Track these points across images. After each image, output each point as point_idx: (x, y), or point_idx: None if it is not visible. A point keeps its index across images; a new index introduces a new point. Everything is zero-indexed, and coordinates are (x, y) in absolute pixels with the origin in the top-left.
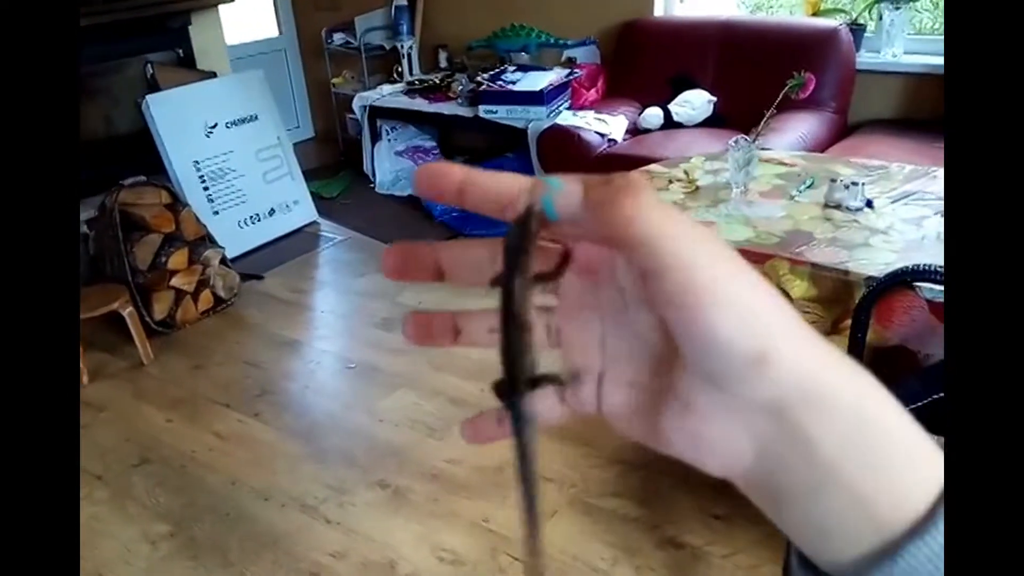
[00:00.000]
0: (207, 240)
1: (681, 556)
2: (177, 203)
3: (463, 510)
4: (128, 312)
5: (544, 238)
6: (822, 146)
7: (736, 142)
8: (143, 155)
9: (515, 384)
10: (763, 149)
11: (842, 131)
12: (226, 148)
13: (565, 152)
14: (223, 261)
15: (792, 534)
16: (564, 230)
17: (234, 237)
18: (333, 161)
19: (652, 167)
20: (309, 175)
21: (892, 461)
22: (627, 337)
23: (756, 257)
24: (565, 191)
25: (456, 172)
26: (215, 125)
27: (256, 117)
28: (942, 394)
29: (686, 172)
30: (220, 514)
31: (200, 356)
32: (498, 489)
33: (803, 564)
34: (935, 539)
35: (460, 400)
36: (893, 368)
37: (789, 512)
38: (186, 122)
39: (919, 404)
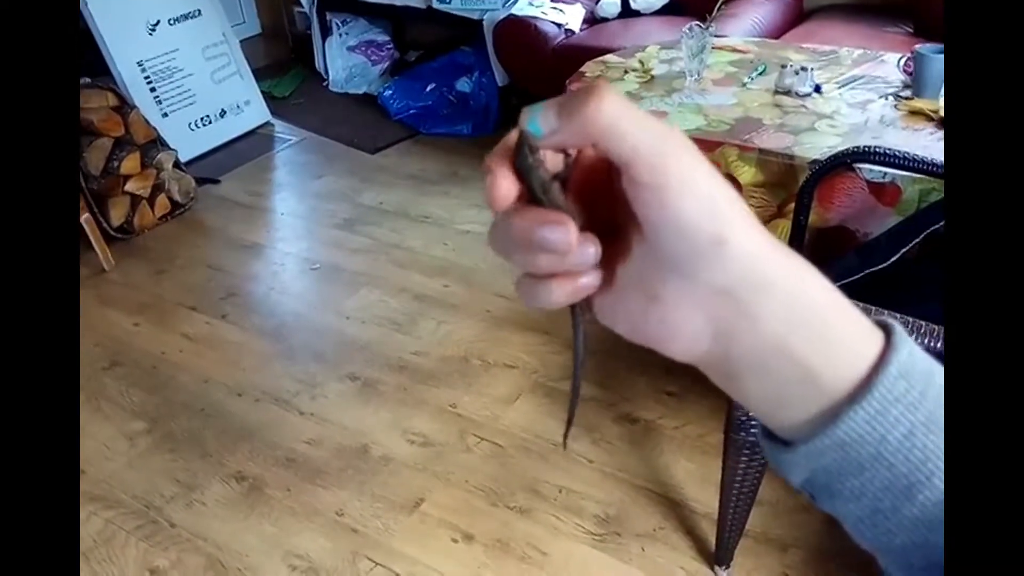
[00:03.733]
0: (158, 143)
1: (635, 430)
2: (124, 105)
3: (431, 397)
4: (85, 219)
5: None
6: (777, 32)
7: (690, 30)
8: (84, 56)
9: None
10: (717, 36)
11: (797, 17)
12: (170, 46)
13: (522, 44)
14: (176, 165)
15: (749, 405)
16: (553, 141)
17: (186, 140)
18: (283, 59)
19: (607, 57)
20: (258, 74)
21: (830, 335)
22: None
23: (707, 145)
24: (542, 108)
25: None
26: (157, 22)
27: (199, 12)
28: (877, 267)
29: (641, 62)
30: (195, 410)
31: (162, 261)
32: (463, 377)
33: (765, 433)
34: (870, 404)
35: (424, 296)
36: (833, 247)
37: (744, 385)
38: (127, 19)
39: (856, 277)
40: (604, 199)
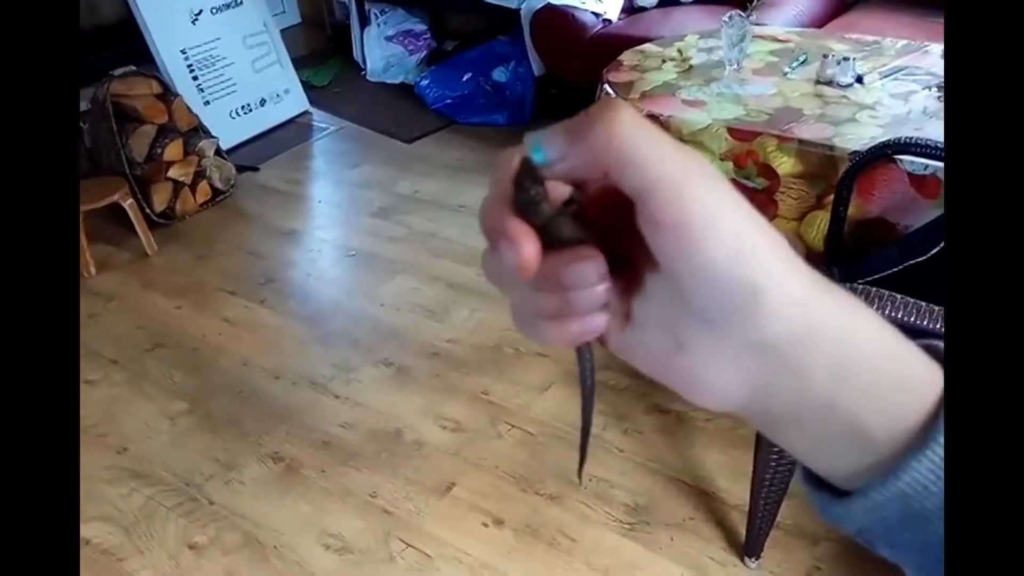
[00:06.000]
0: (200, 131)
1: (667, 420)
2: (168, 93)
3: (463, 384)
4: (129, 204)
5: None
6: (820, 22)
7: (730, 18)
8: (129, 44)
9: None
10: (758, 25)
11: (840, 7)
12: (213, 35)
13: (559, 33)
14: (218, 152)
15: (791, 452)
16: (560, 170)
17: (227, 128)
18: (321, 48)
19: (645, 47)
20: (298, 63)
21: (883, 385)
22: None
23: (744, 135)
24: (548, 133)
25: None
26: (200, 12)
27: (241, 2)
28: (918, 259)
29: (680, 51)
30: (234, 392)
31: (203, 246)
32: (495, 365)
33: (809, 478)
34: (935, 452)
35: (458, 284)
36: (873, 239)
37: (787, 437)
38: (171, 8)
39: (896, 269)
40: (614, 227)
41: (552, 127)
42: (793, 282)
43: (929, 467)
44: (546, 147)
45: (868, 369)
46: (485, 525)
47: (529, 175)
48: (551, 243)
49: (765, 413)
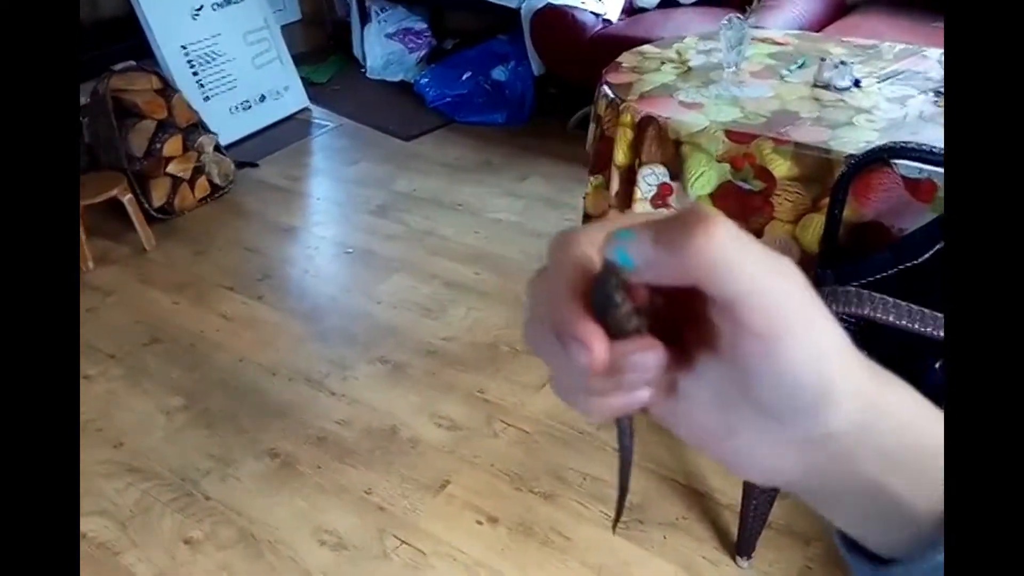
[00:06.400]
0: (200, 127)
1: None
2: (168, 89)
3: (459, 382)
4: (128, 199)
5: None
6: (818, 25)
7: (729, 21)
8: (130, 40)
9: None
10: (756, 28)
11: (839, 10)
12: (213, 31)
13: (559, 33)
14: (217, 148)
15: (833, 521)
16: (648, 277)
17: (226, 124)
18: (322, 45)
19: (644, 48)
20: (298, 60)
21: (929, 466)
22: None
23: (742, 137)
24: (636, 238)
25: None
26: (201, 7)
27: None
28: (912, 263)
29: (679, 52)
30: (230, 388)
31: (201, 242)
32: (492, 363)
33: (848, 544)
34: None
35: (455, 283)
36: (867, 242)
37: (829, 510)
38: (171, 4)
39: (890, 272)
40: (667, 304)
41: (637, 228)
42: (856, 377)
43: None
44: (633, 252)
45: (916, 451)
46: (479, 523)
47: (614, 281)
48: (617, 335)
49: (811, 491)
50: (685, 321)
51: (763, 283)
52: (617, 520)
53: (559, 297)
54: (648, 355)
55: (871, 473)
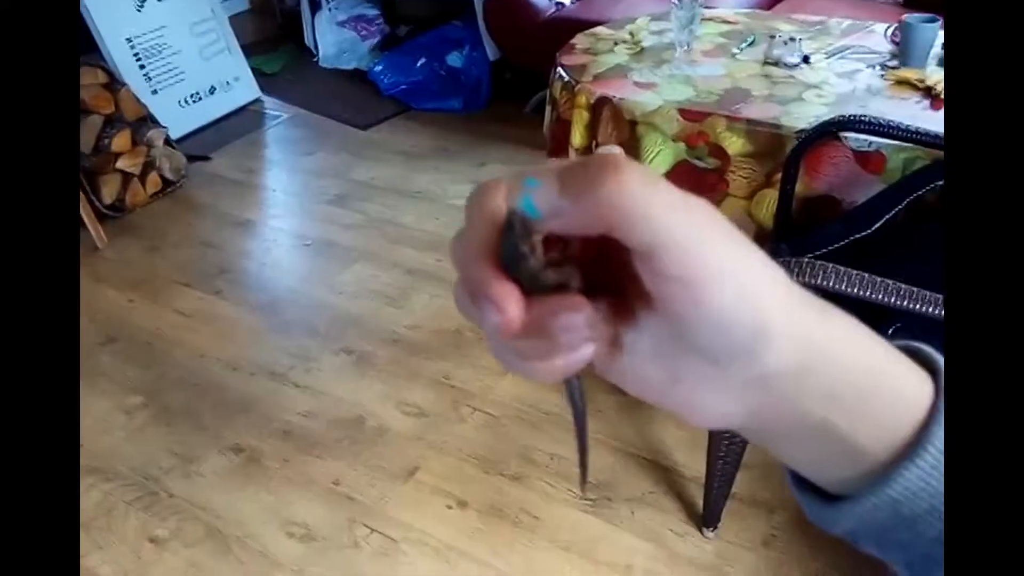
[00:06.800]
0: (149, 120)
1: (627, 400)
2: (114, 83)
3: (424, 370)
4: None
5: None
6: (768, 3)
7: (680, 1)
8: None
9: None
10: (707, 8)
11: None
12: (159, 23)
13: (513, 17)
14: (167, 142)
15: (782, 460)
16: (555, 226)
17: (176, 117)
18: (272, 34)
19: (597, 30)
20: (248, 50)
21: (876, 402)
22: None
23: (695, 116)
24: (543, 186)
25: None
26: None
27: None
28: (862, 233)
29: (631, 34)
30: (190, 384)
31: (154, 238)
32: (456, 349)
33: (798, 483)
34: (924, 460)
35: (416, 271)
36: (819, 215)
37: (777, 450)
38: None
39: (841, 244)
40: (594, 257)
41: (542, 173)
42: (792, 315)
43: (919, 474)
44: (539, 199)
45: (860, 390)
46: (449, 507)
47: (520, 231)
48: (533, 290)
49: (758, 431)
50: (623, 272)
51: (677, 228)
52: (584, 479)
53: (470, 256)
54: (571, 315)
55: (815, 412)
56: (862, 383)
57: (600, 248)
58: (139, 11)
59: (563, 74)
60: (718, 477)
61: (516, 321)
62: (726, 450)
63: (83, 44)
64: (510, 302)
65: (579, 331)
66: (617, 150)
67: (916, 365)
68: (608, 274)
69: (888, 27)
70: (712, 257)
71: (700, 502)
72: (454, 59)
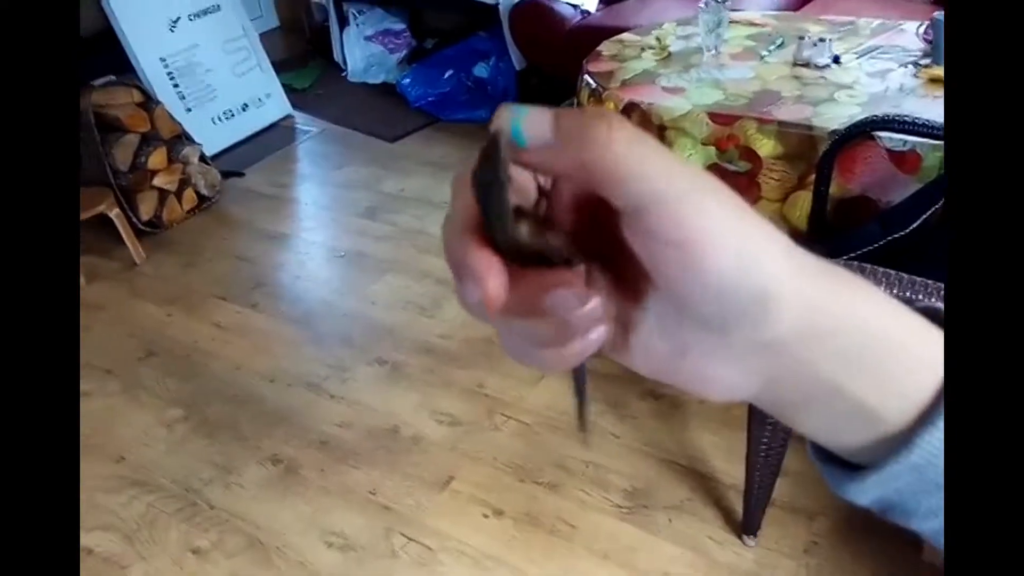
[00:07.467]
0: (184, 138)
1: (661, 405)
2: (149, 101)
3: (457, 379)
4: (115, 214)
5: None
6: (796, 4)
7: (707, 4)
8: (108, 54)
9: None
10: (734, 11)
11: None
12: (191, 42)
13: (538, 27)
14: (202, 159)
15: (801, 431)
16: (535, 159)
17: (210, 134)
18: (301, 51)
19: (624, 36)
20: (278, 67)
21: (892, 366)
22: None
23: (725, 119)
24: (534, 115)
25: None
26: (177, 19)
27: (218, 7)
28: (899, 233)
29: (658, 39)
30: (229, 396)
31: (191, 253)
32: (488, 359)
33: (820, 454)
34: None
35: (447, 280)
36: (855, 216)
37: (795, 419)
38: (148, 17)
39: (878, 244)
40: (582, 230)
41: (538, 108)
42: (798, 280)
43: (940, 438)
44: (529, 126)
45: (875, 352)
46: (485, 516)
47: (500, 151)
48: (521, 259)
49: (774, 401)
50: (621, 251)
51: (671, 186)
52: (583, 425)
53: (453, 231)
54: (565, 294)
55: (830, 377)
56: (876, 346)
57: (595, 224)
58: (172, 31)
59: (590, 81)
60: (757, 483)
61: (498, 294)
62: (764, 456)
63: (118, 64)
64: (490, 273)
65: (574, 307)
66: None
67: (933, 326)
68: (606, 256)
69: (919, 25)
70: (708, 219)
71: (739, 509)
72: (480, 70)
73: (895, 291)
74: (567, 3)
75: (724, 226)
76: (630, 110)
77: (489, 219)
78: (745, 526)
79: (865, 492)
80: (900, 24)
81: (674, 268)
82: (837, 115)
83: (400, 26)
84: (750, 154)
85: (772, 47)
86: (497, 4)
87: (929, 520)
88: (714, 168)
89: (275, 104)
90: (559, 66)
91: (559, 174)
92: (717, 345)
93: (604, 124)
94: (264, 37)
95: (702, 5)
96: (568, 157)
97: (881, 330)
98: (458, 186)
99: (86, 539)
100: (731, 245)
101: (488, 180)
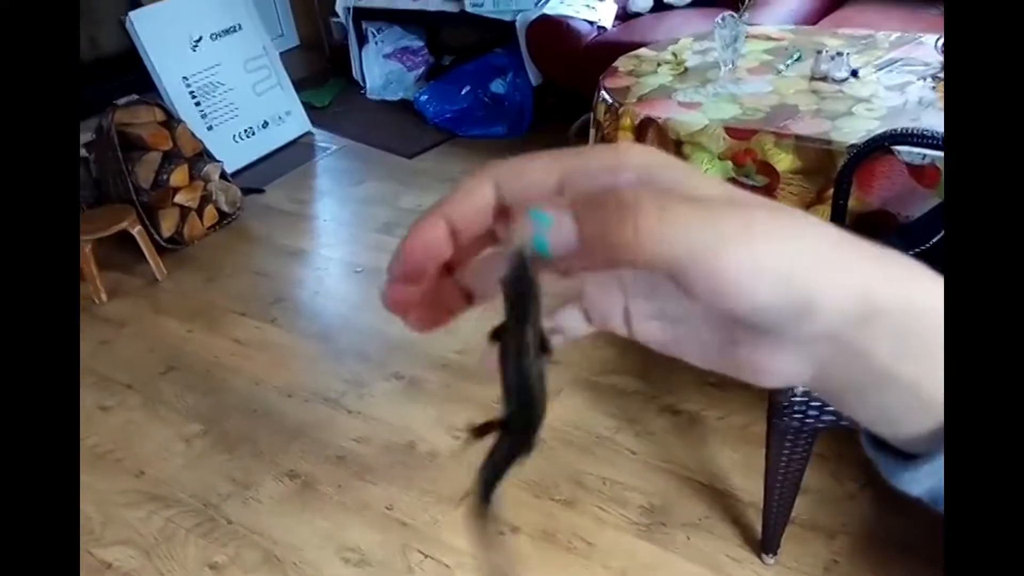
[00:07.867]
0: (205, 156)
1: (679, 421)
2: (171, 120)
3: (474, 394)
4: (137, 231)
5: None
6: (813, 18)
7: (723, 19)
8: (131, 74)
9: (512, 426)
10: (751, 25)
11: (832, 2)
12: (213, 61)
13: (554, 43)
14: (223, 176)
15: (856, 419)
16: (563, 265)
17: (231, 152)
18: (321, 69)
19: (640, 52)
20: (298, 85)
21: (943, 352)
22: (647, 278)
23: (742, 133)
24: (557, 225)
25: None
26: (200, 38)
27: (240, 27)
28: (920, 247)
29: (674, 54)
30: (247, 411)
31: (211, 269)
32: None
33: (873, 443)
34: None
35: None
36: (874, 231)
37: (851, 406)
38: (171, 37)
39: None
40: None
41: (558, 210)
42: (842, 275)
43: None
44: (554, 239)
45: (928, 337)
46: (502, 533)
47: (527, 270)
48: (518, 357)
49: (828, 387)
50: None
51: (697, 248)
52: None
53: (428, 229)
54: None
55: (882, 361)
56: (930, 331)
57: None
58: (194, 50)
59: (607, 97)
60: (776, 501)
61: (407, 308)
62: (784, 472)
63: (141, 84)
64: (416, 299)
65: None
66: (627, 144)
67: None
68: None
69: (938, 38)
70: (740, 262)
71: (758, 527)
72: (497, 86)
73: None
74: (583, 19)
75: (758, 261)
76: (647, 125)
77: (515, 329)
78: (764, 544)
79: (918, 482)
80: (919, 37)
81: (714, 307)
82: (855, 129)
83: (418, 44)
84: (767, 168)
85: (789, 61)
86: (514, 21)
87: None
88: (731, 183)
89: (295, 121)
90: (576, 82)
91: (590, 272)
92: (766, 339)
93: (628, 222)
94: (284, 56)
95: (719, 20)
96: (597, 260)
97: (935, 314)
98: (469, 183)
99: (105, 553)
100: (765, 276)
101: (517, 292)
